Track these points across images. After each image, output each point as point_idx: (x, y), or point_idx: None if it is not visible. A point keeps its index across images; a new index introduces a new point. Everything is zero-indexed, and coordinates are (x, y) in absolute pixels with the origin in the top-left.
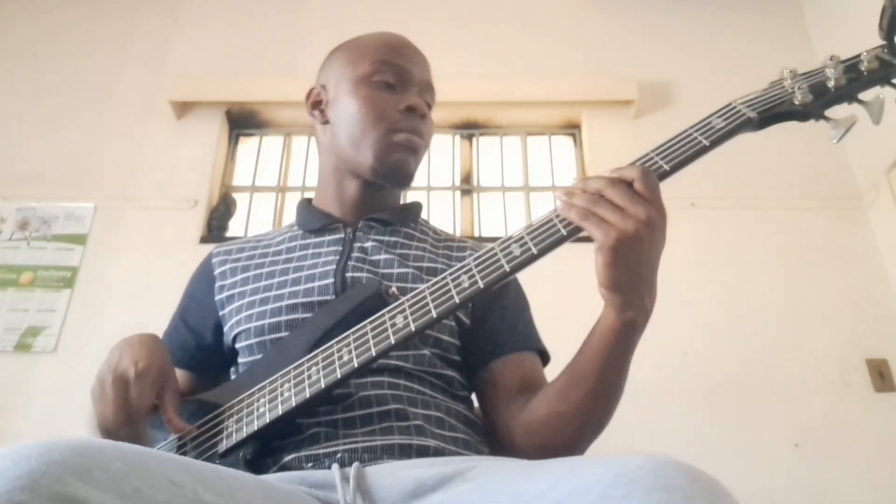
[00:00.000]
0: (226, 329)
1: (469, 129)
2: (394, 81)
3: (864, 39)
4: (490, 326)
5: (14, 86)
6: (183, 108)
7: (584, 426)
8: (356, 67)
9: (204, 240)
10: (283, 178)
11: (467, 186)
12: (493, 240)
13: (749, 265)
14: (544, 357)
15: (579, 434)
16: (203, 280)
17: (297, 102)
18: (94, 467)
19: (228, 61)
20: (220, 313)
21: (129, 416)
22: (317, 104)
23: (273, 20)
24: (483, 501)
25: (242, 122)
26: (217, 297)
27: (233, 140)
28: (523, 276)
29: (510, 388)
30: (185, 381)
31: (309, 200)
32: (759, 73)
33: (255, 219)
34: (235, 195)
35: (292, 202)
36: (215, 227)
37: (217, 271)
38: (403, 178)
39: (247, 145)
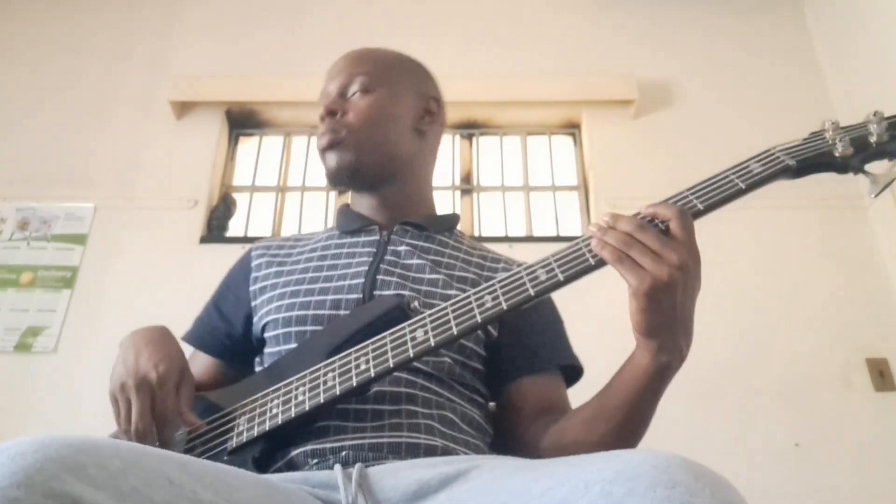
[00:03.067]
0: (256, 319)
1: (469, 128)
2: (323, 106)
3: (864, 40)
4: (518, 342)
5: (14, 86)
6: (183, 108)
7: None
8: None
9: (204, 240)
10: (283, 177)
11: (467, 186)
12: (493, 240)
13: (749, 265)
14: (576, 370)
15: None
16: (241, 272)
17: (296, 102)
18: (90, 465)
19: (228, 61)
20: (253, 304)
21: (155, 424)
22: None
23: (273, 20)
24: (486, 501)
25: (242, 121)
26: (251, 289)
27: (233, 140)
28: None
29: (530, 409)
30: (211, 366)
31: (348, 204)
32: (759, 73)
33: (255, 219)
34: (235, 195)
35: (292, 202)
36: (215, 227)
37: (254, 263)
38: (335, 175)
39: (247, 145)
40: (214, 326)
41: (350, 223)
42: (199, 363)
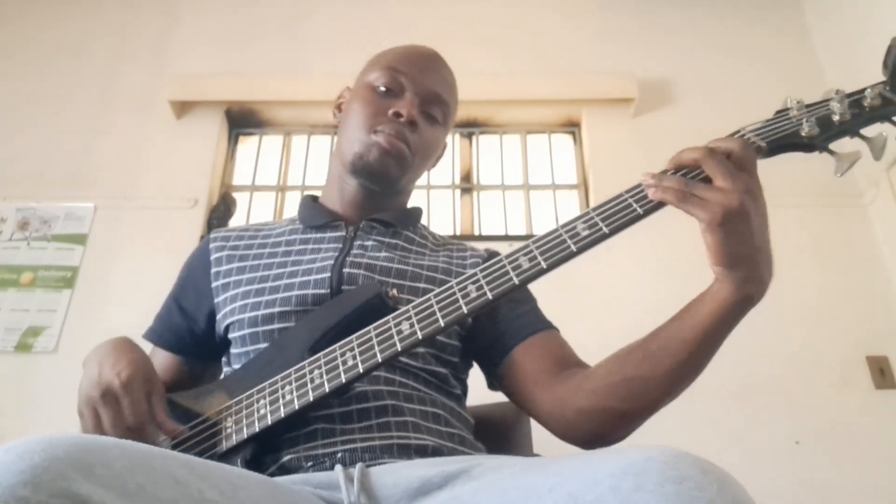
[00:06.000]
0: (219, 317)
1: (469, 127)
2: (392, 87)
3: (864, 38)
4: (501, 318)
5: (14, 86)
6: (183, 108)
7: (666, 394)
8: (368, 72)
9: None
10: (282, 177)
11: (467, 185)
12: (494, 238)
13: None
14: None
15: (659, 400)
16: (200, 264)
17: (297, 102)
18: (97, 464)
19: (228, 60)
20: (215, 300)
21: (128, 431)
22: (339, 105)
23: (273, 20)
24: (494, 498)
25: (242, 121)
26: (213, 284)
27: (232, 139)
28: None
29: (545, 364)
30: (171, 363)
31: (314, 197)
32: (759, 72)
33: (255, 218)
34: (235, 194)
35: (292, 201)
36: (215, 227)
37: (214, 256)
38: (378, 177)
39: (246, 144)
40: (176, 323)
41: (316, 218)
42: (159, 360)
